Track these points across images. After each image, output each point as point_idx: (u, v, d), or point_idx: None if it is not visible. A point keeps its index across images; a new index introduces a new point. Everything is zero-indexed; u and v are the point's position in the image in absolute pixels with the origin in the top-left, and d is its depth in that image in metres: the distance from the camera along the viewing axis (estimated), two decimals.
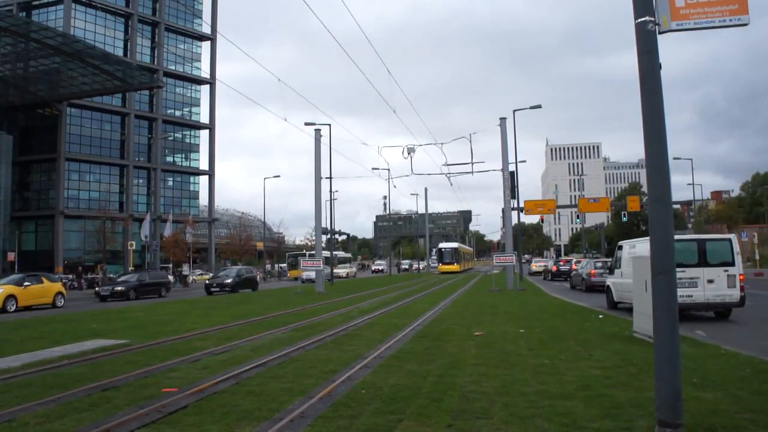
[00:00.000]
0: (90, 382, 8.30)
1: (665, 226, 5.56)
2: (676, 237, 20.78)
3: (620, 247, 19.14)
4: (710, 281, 15.49)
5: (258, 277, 64.13)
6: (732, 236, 16.69)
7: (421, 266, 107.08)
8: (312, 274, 47.14)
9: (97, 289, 35.11)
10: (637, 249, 17.67)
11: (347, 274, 67.07)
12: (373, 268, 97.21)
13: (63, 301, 28.19)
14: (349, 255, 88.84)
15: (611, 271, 20.49)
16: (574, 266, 37.02)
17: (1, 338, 14.10)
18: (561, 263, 46.00)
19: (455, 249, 73.57)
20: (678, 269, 16.12)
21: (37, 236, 62.31)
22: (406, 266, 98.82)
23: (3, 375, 9.13)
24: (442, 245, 77.07)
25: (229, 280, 37.04)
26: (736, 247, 15.76)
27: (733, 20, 5.79)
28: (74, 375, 9.04)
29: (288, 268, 68.72)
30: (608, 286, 19.88)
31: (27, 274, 29.24)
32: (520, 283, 33.48)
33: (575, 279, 32.13)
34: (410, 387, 7.67)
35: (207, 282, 37.86)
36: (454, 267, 69.54)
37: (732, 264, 15.55)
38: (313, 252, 66.35)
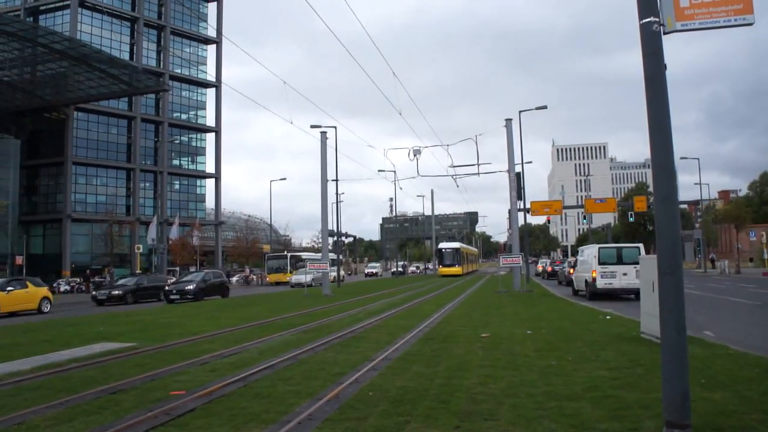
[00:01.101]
0: (98, 385, 8.33)
1: (672, 226, 5.55)
2: (603, 245, 26.56)
3: (578, 252, 27.03)
4: (624, 274, 22.99)
5: (255, 280, 62.49)
6: (640, 245, 23.61)
7: (417, 268, 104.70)
8: (301, 279, 46.11)
9: (94, 293, 34.63)
10: (585, 254, 26.37)
11: (333, 279, 61.80)
12: (366, 271, 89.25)
13: (49, 306, 27.13)
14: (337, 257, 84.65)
15: (573, 268, 29.10)
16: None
17: (9, 341, 14.18)
18: (556, 264, 52.78)
19: (457, 250, 66.73)
20: (603, 266, 23.24)
21: (45, 240, 62.60)
22: (401, 269, 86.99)
23: (13, 378, 9.18)
24: (443, 245, 70.95)
25: (191, 287, 32.15)
26: (642, 252, 21.61)
27: (738, 20, 5.78)
28: (83, 378, 9.08)
29: (267, 271, 61.54)
30: (571, 279, 29.23)
31: (11, 279, 28.53)
32: (527, 284, 33.43)
33: (560, 276, 40.11)
34: (417, 389, 7.67)
35: (166, 288, 33.07)
36: (456, 269, 63.80)
37: (638, 263, 17.71)
38: (296, 253, 63.56)
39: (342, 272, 67.50)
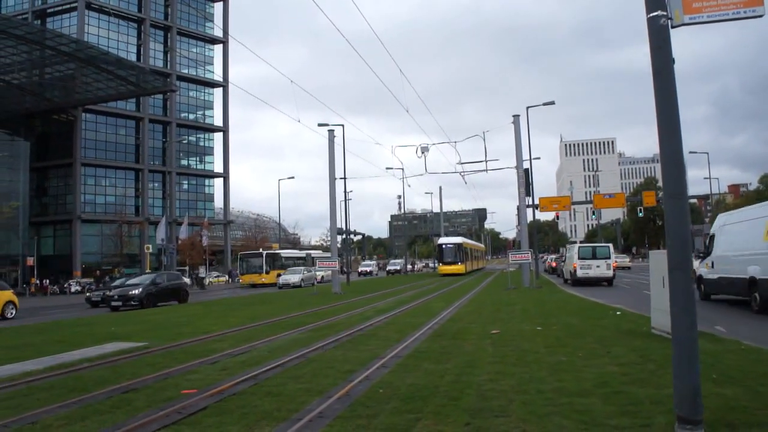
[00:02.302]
0: (110, 385, 8.39)
1: (681, 221, 5.52)
2: (582, 245, 34.28)
3: (566, 249, 34.32)
4: (597, 266, 30.36)
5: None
6: (610, 245, 33.06)
7: (426, 265, 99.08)
8: (290, 279, 44.45)
9: (88, 294, 33.62)
10: (569, 251, 35.15)
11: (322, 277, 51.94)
12: (360, 269, 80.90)
13: (14, 311, 25.25)
14: (328, 255, 72.33)
15: (564, 261, 37.39)
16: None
17: (22, 342, 14.30)
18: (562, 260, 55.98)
19: (459, 245, 58.35)
20: (582, 260, 30.73)
21: (55, 241, 63.04)
22: (397, 267, 78.89)
23: (26, 378, 9.25)
24: (443, 240, 61.90)
25: (136, 291, 27.32)
26: (612, 250, 31.94)
27: (748, 12, 5.72)
28: (95, 378, 9.14)
29: (240, 271, 54.94)
30: (562, 270, 37.89)
31: None
32: (536, 280, 33.36)
33: (558, 270, 43.78)
34: (428, 386, 7.68)
35: (107, 294, 28.60)
36: (458, 267, 55.72)
37: (609, 258, 30.73)
38: (275, 251, 57.24)
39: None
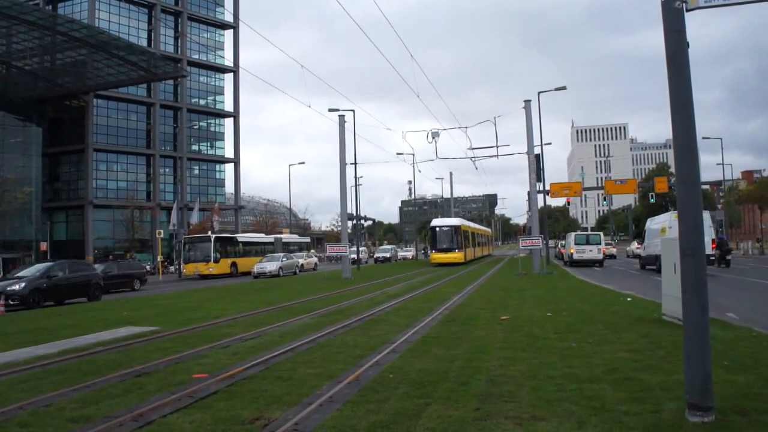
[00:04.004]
0: (123, 369, 8.48)
1: (694, 207, 5.48)
2: (578, 233, 47.18)
3: (565, 237, 45.49)
4: (590, 251, 37.57)
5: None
6: (600, 233, 42.03)
7: (426, 252, 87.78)
8: (266, 267, 39.26)
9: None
10: (567, 238, 42.99)
11: (302, 266, 46.21)
12: (377, 255, 71.43)
13: None
14: (307, 240, 64.69)
15: (564, 247, 44.48)
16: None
17: (36, 326, 14.47)
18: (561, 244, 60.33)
19: (456, 228, 47.16)
20: (578, 246, 38.78)
21: (68, 226, 63.41)
22: (387, 254, 69.39)
23: (40, 362, 9.37)
24: (436, 222, 50.86)
25: (18, 287, 21.48)
26: (602, 237, 39.88)
27: None
28: (107, 362, 9.24)
29: (183, 260, 44.10)
30: (562, 254, 45.98)
31: None
32: (547, 266, 33.31)
33: (557, 252, 52.12)
34: (438, 371, 7.70)
35: None
36: (455, 256, 45.44)
37: (599, 244, 38.47)
38: (228, 235, 48.10)
39: (313, 259, 53.56)
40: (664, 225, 28.66)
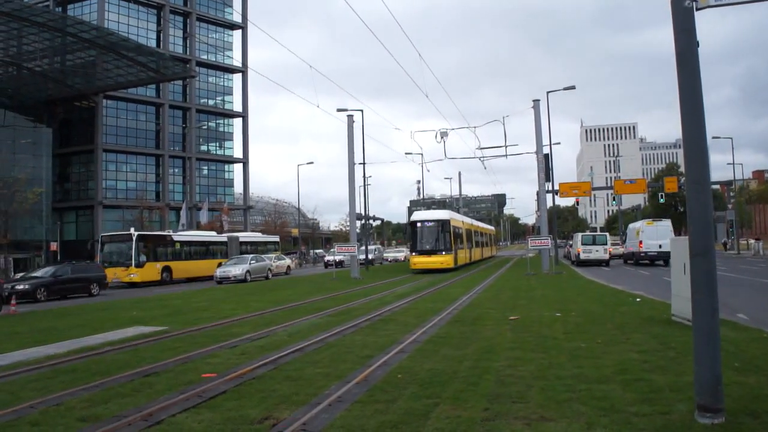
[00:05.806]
0: (132, 368, 8.51)
1: (704, 208, 5.45)
2: (585, 233, 46.40)
3: (572, 237, 48.34)
4: (597, 250, 38.00)
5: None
6: (606, 233, 43.98)
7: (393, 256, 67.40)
8: (231, 271, 33.93)
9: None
10: (574, 239, 44.14)
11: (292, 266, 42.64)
12: (390, 257, 64.20)
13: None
14: (275, 239, 55.77)
15: (572, 246, 45.04)
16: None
17: (46, 326, 14.56)
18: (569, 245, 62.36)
19: (444, 224, 36.52)
20: (584, 246, 39.48)
21: (77, 226, 63.76)
22: (400, 255, 62.73)
23: (50, 361, 9.42)
24: (419, 216, 38.88)
25: None
26: (608, 237, 41.34)
27: None
28: (116, 361, 9.28)
29: (101, 263, 33.58)
30: (570, 254, 46.40)
31: None
32: (556, 266, 33.20)
33: (565, 252, 53.35)
34: (446, 371, 7.69)
35: None
36: (441, 260, 35.19)
37: (606, 244, 38.78)
38: (153, 233, 41.57)
39: (287, 261, 45.60)
40: (638, 229, 36.65)
